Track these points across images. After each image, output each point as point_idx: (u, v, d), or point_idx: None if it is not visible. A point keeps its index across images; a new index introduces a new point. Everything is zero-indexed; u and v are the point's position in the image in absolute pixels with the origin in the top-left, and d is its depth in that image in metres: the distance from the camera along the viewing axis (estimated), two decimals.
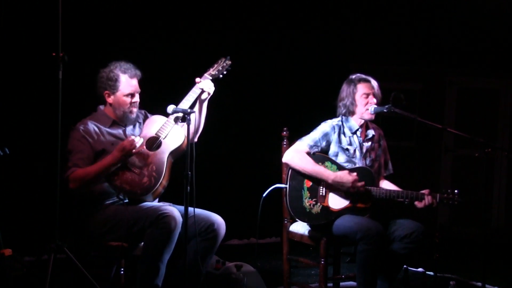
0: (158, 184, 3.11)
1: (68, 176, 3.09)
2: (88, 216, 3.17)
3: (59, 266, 2.75)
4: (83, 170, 3.09)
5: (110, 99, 3.28)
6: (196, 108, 3.28)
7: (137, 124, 3.40)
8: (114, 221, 3.11)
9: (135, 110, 3.31)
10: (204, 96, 3.27)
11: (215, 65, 3.37)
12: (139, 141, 3.12)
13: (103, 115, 3.32)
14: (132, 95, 3.27)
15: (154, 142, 3.21)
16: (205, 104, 3.32)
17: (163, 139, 3.20)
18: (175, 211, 3.07)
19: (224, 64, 3.37)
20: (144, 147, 3.18)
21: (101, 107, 3.35)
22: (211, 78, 3.31)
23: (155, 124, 3.26)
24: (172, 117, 3.21)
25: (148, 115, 3.44)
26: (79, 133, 3.20)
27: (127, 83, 3.25)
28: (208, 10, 5.44)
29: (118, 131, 3.32)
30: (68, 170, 3.10)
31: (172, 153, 3.20)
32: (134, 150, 3.09)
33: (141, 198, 3.11)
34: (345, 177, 3.39)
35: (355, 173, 3.40)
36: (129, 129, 3.35)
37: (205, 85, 3.25)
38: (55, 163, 2.97)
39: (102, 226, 3.13)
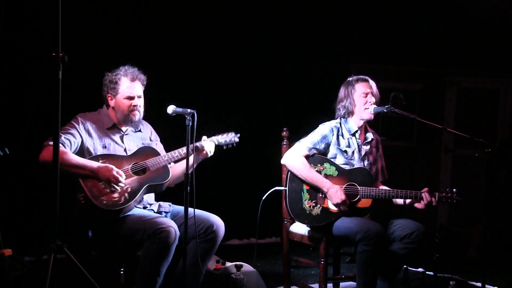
0: (125, 206, 3.09)
1: (46, 145, 3.09)
2: (87, 222, 3.17)
3: (59, 266, 2.75)
4: (64, 153, 3.06)
5: (112, 102, 3.32)
6: (191, 160, 3.19)
7: (139, 135, 3.41)
8: (113, 231, 3.12)
9: (136, 113, 3.31)
10: (202, 155, 3.30)
11: (225, 135, 3.42)
12: (123, 181, 3.11)
13: (105, 116, 3.35)
14: (131, 98, 3.28)
15: (140, 169, 3.22)
16: (198, 162, 3.33)
17: (150, 170, 3.22)
18: (172, 224, 3.06)
19: (232, 139, 3.43)
20: (130, 171, 3.18)
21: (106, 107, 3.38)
22: (216, 143, 3.37)
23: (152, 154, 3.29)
24: (173, 153, 3.24)
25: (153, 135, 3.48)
26: (77, 123, 3.23)
27: (126, 86, 3.28)
28: (209, 9, 5.44)
29: (116, 136, 3.34)
30: (49, 141, 3.09)
31: (151, 186, 3.21)
32: (112, 183, 3.07)
33: (100, 207, 3.06)
34: (337, 194, 3.37)
35: (345, 197, 3.38)
36: (128, 135, 3.36)
37: (208, 145, 3.30)
38: (55, 163, 2.96)
39: (101, 234, 3.15)
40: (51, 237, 2.80)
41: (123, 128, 3.36)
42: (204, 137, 3.32)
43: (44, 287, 2.66)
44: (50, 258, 2.72)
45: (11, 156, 3.10)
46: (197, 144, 3.25)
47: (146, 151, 3.29)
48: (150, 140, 3.49)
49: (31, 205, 4.44)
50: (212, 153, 3.33)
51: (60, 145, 3.03)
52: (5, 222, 3.35)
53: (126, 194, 3.11)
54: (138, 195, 3.13)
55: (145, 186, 3.16)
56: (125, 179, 3.12)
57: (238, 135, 3.45)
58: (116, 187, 3.09)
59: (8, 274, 3.01)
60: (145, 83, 3.36)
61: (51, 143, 3.09)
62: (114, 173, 3.08)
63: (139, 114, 3.33)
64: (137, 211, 3.21)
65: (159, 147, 3.51)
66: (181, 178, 3.41)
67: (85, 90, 4.47)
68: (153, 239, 3.00)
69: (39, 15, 4.29)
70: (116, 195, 3.10)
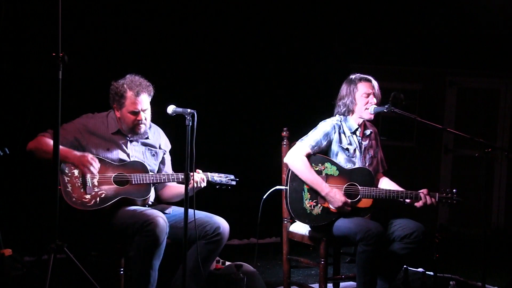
0: (93, 209, 3.10)
1: (38, 135, 3.16)
2: (79, 222, 3.19)
3: (59, 266, 2.75)
4: (45, 139, 3.12)
5: (118, 113, 3.31)
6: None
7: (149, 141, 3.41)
8: (105, 226, 3.13)
9: (142, 126, 3.29)
10: (191, 185, 3.20)
11: (222, 175, 3.41)
12: (94, 170, 3.11)
13: (112, 120, 3.33)
14: (136, 113, 3.26)
15: (122, 180, 3.21)
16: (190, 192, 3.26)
17: (132, 184, 3.21)
18: (160, 214, 3.07)
19: (228, 181, 3.41)
20: (111, 179, 3.18)
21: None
22: (209, 179, 3.33)
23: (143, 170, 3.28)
24: (161, 176, 3.27)
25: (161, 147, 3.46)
26: (79, 122, 3.26)
27: (131, 101, 3.25)
28: (209, 9, 5.45)
29: (121, 141, 3.32)
30: (44, 132, 3.16)
31: (126, 199, 3.20)
32: (84, 168, 3.09)
33: (68, 203, 3.07)
34: (337, 197, 3.37)
35: (345, 199, 3.38)
36: (134, 141, 3.35)
37: (198, 179, 3.24)
38: (54, 163, 2.96)
39: (95, 230, 3.16)
40: (51, 237, 2.80)
41: (129, 135, 3.35)
42: (199, 170, 3.30)
43: (44, 287, 2.66)
44: (50, 258, 2.71)
45: (11, 156, 3.10)
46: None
47: (136, 166, 3.27)
48: (160, 148, 3.46)
49: (31, 205, 4.44)
50: (201, 185, 3.25)
51: (49, 135, 3.13)
52: (5, 222, 3.35)
53: (98, 199, 3.12)
54: (109, 203, 3.13)
55: (119, 197, 3.16)
56: (99, 168, 3.13)
57: (238, 180, 3.44)
58: (88, 171, 3.10)
59: (8, 274, 3.01)
60: (152, 93, 3.32)
61: (43, 134, 3.16)
62: (89, 158, 3.10)
63: (144, 127, 3.31)
64: (127, 206, 3.21)
65: (166, 159, 3.49)
66: (176, 198, 3.43)
67: (85, 90, 4.48)
68: (142, 232, 3.00)
69: (39, 15, 4.28)
70: (87, 196, 3.11)
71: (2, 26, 3.38)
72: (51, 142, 3.08)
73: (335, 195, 3.38)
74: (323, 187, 3.41)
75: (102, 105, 3.41)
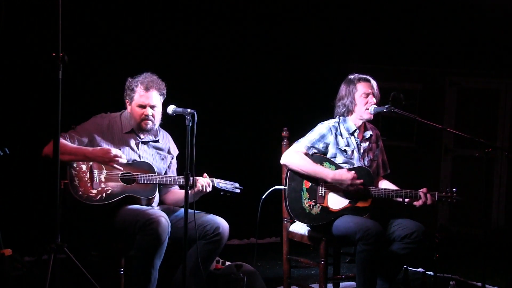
0: (99, 203, 3.11)
1: (51, 141, 3.10)
2: (82, 218, 3.19)
3: (59, 266, 2.75)
4: (62, 143, 3.07)
5: (129, 108, 3.35)
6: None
7: (162, 145, 3.42)
8: (107, 224, 3.14)
9: (148, 122, 3.30)
10: (197, 190, 3.24)
11: (228, 182, 3.43)
12: (122, 160, 3.12)
13: (126, 119, 3.36)
14: (143, 106, 3.28)
15: (129, 178, 3.22)
16: (195, 196, 3.28)
17: (138, 183, 3.22)
18: (162, 214, 3.08)
19: (233, 189, 3.43)
20: (118, 177, 3.19)
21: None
22: (214, 184, 3.34)
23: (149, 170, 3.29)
24: (167, 177, 3.28)
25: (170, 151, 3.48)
26: (92, 123, 3.27)
27: (139, 94, 3.28)
28: (209, 9, 5.45)
29: (133, 142, 3.33)
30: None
31: (131, 197, 3.21)
32: (110, 163, 3.10)
33: (74, 196, 3.08)
34: (344, 175, 3.39)
35: (353, 171, 3.40)
36: (145, 144, 3.36)
37: (202, 181, 3.25)
38: (54, 163, 2.97)
39: (97, 228, 3.17)
40: (51, 237, 2.80)
41: (141, 135, 3.36)
42: (205, 175, 3.32)
43: (44, 287, 2.66)
44: (50, 258, 2.72)
45: (11, 156, 3.10)
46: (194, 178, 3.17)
47: (143, 166, 3.29)
48: (169, 153, 3.48)
49: (31, 205, 4.44)
50: (206, 190, 3.28)
51: (61, 138, 3.08)
52: (5, 222, 3.35)
53: (104, 194, 3.14)
54: (115, 199, 3.15)
55: (125, 194, 3.18)
56: (123, 162, 3.13)
57: (242, 188, 3.45)
58: (118, 166, 3.11)
59: (8, 274, 3.01)
60: (164, 92, 3.34)
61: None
62: (113, 153, 3.09)
63: (151, 123, 3.31)
64: (131, 205, 3.22)
65: (172, 163, 3.51)
66: (181, 203, 3.42)
67: (83, 91, 4.48)
68: (144, 231, 3.01)
69: (39, 15, 4.28)
70: (94, 191, 3.12)
71: (2, 26, 3.38)
72: (65, 143, 3.09)
73: (342, 175, 3.38)
74: (327, 172, 3.41)
75: (101, 106, 3.41)
